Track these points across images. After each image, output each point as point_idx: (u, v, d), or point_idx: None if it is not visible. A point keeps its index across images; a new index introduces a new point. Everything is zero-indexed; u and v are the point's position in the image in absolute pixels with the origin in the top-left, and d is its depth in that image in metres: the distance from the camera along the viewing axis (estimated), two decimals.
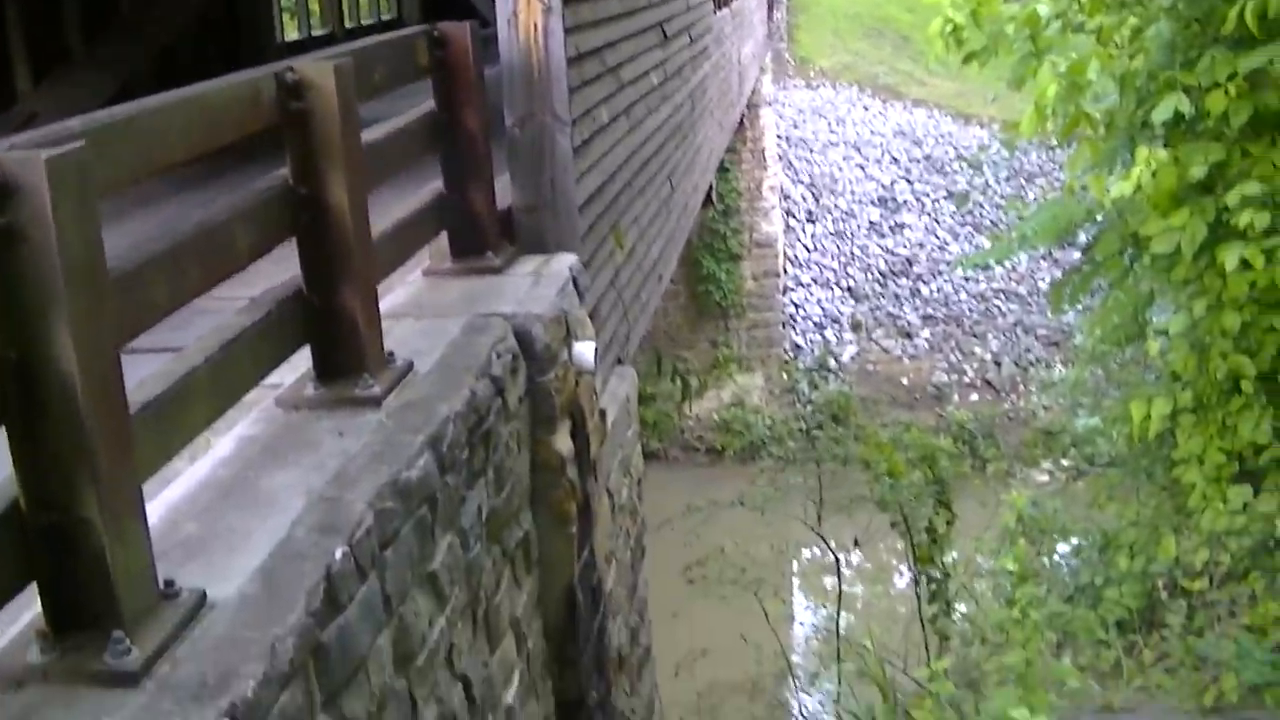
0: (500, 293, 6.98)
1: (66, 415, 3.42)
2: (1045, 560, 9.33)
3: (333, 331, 5.40)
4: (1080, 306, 21.32)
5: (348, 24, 20.37)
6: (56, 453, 3.45)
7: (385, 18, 22.28)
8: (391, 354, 5.69)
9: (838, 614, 13.79)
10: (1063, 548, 10.25)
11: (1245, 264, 7.55)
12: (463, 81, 7.12)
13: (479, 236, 7.32)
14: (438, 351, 6.02)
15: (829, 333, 27.37)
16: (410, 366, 5.71)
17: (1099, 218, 9.51)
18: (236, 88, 4.93)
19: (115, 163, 3.92)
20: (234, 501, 4.51)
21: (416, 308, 6.74)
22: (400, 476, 4.78)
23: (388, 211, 6.57)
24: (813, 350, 26.90)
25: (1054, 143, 28.52)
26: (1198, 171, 7.72)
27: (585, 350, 7.16)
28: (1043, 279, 27.41)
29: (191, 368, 4.39)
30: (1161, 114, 7.54)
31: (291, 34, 18.94)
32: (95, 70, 12.81)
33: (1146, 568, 7.94)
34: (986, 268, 27.71)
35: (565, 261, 7.53)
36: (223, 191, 7.34)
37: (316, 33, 19.64)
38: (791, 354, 26.90)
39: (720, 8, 17.02)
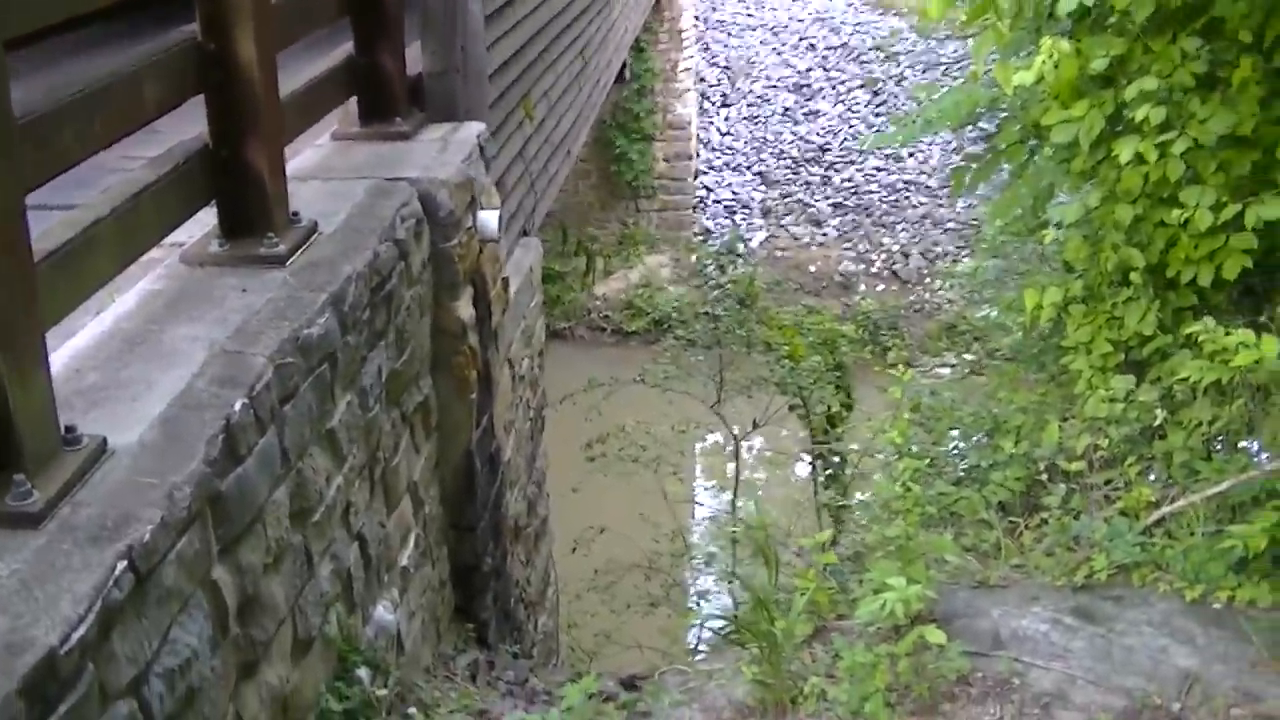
0: (407, 158, 7.00)
1: None
2: (940, 447, 9.49)
3: (239, 189, 5.42)
4: (988, 200, 21.48)
5: None
6: None
7: None
8: (297, 214, 5.73)
9: (734, 494, 13.97)
10: (957, 435, 10.43)
11: (1140, 158, 7.69)
12: None
13: (388, 101, 7.32)
14: (343, 213, 6.06)
15: (739, 217, 27.43)
16: (315, 227, 5.75)
17: (1001, 105, 9.62)
18: None
19: (23, 7, 3.91)
20: (137, 353, 4.56)
21: (324, 170, 6.76)
22: (301, 333, 4.84)
23: (299, 73, 6.56)
24: (722, 234, 26.96)
25: (968, 32, 28.74)
26: (1099, 64, 7.82)
27: (489, 218, 7.21)
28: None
29: (97, 218, 4.42)
30: (1066, 5, 7.62)
31: None
32: None
33: (1030, 452, 8.14)
34: (898, 159, 27.87)
35: (473, 129, 7.55)
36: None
37: None
38: (701, 237, 26.95)
39: None
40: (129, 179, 4.86)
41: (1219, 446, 7.78)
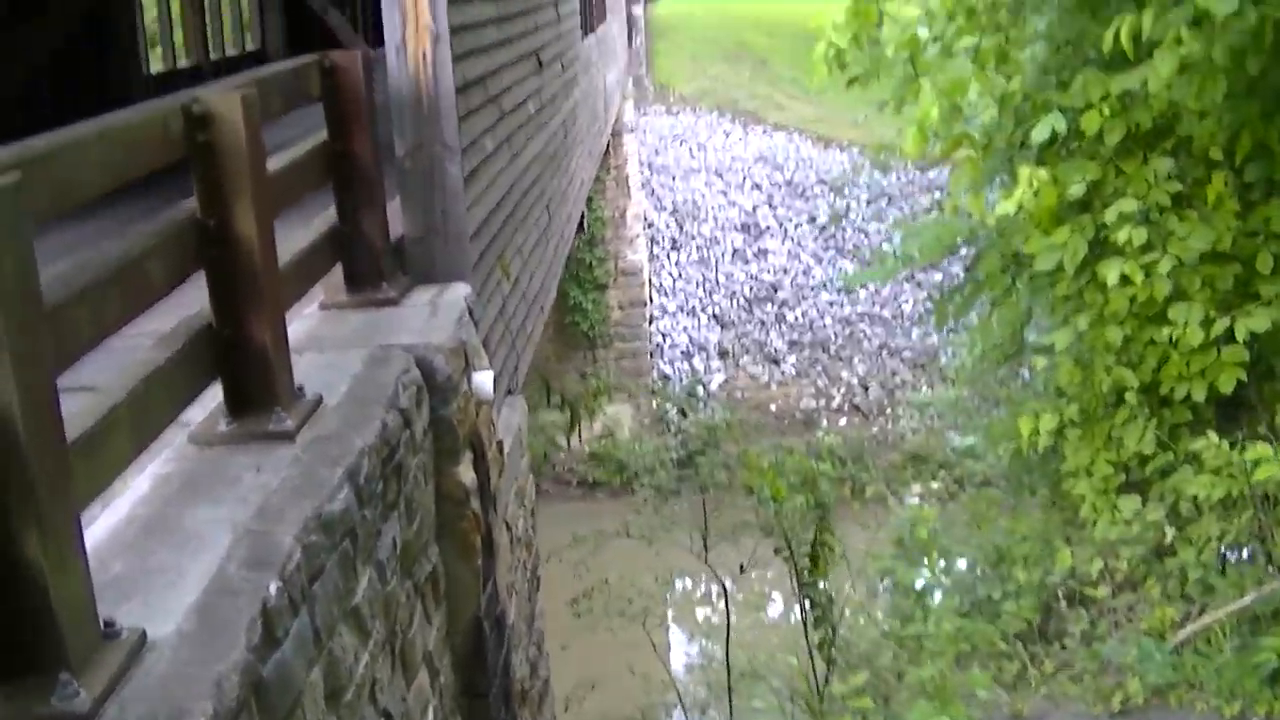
0: (399, 324, 6.95)
1: (5, 450, 3.35)
2: (943, 578, 9.44)
3: (244, 365, 5.34)
4: (946, 329, 21.63)
5: (213, 56, 20.17)
6: None
7: (250, 48, 22.11)
8: (301, 387, 5.65)
9: (727, 643, 13.82)
10: (944, 565, 10.37)
11: (1125, 279, 7.73)
12: (354, 111, 7.07)
13: (374, 268, 7.29)
14: (344, 384, 5.99)
15: (697, 361, 27.53)
16: (320, 400, 5.67)
17: (979, 236, 9.69)
18: (147, 120, 4.87)
19: (41, 195, 3.86)
20: (160, 539, 4.45)
21: (317, 341, 6.69)
22: (323, 510, 4.75)
23: (282, 243, 6.51)
24: (681, 379, 27.03)
25: (914, 165, 29.08)
26: (1076, 190, 7.90)
27: (484, 380, 7.16)
28: (905, 302, 27.82)
29: (113, 404, 4.33)
30: (1040, 134, 7.71)
31: (157, 66, 18.69)
32: None
33: (1043, 579, 8.09)
34: (849, 291, 28.04)
35: (460, 291, 7.52)
36: (110, 219, 7.31)
37: (182, 64, 19.44)
38: (660, 383, 27.00)
39: (587, 34, 17.09)
40: (139, 362, 4.78)
41: (1230, 558, 7.77)
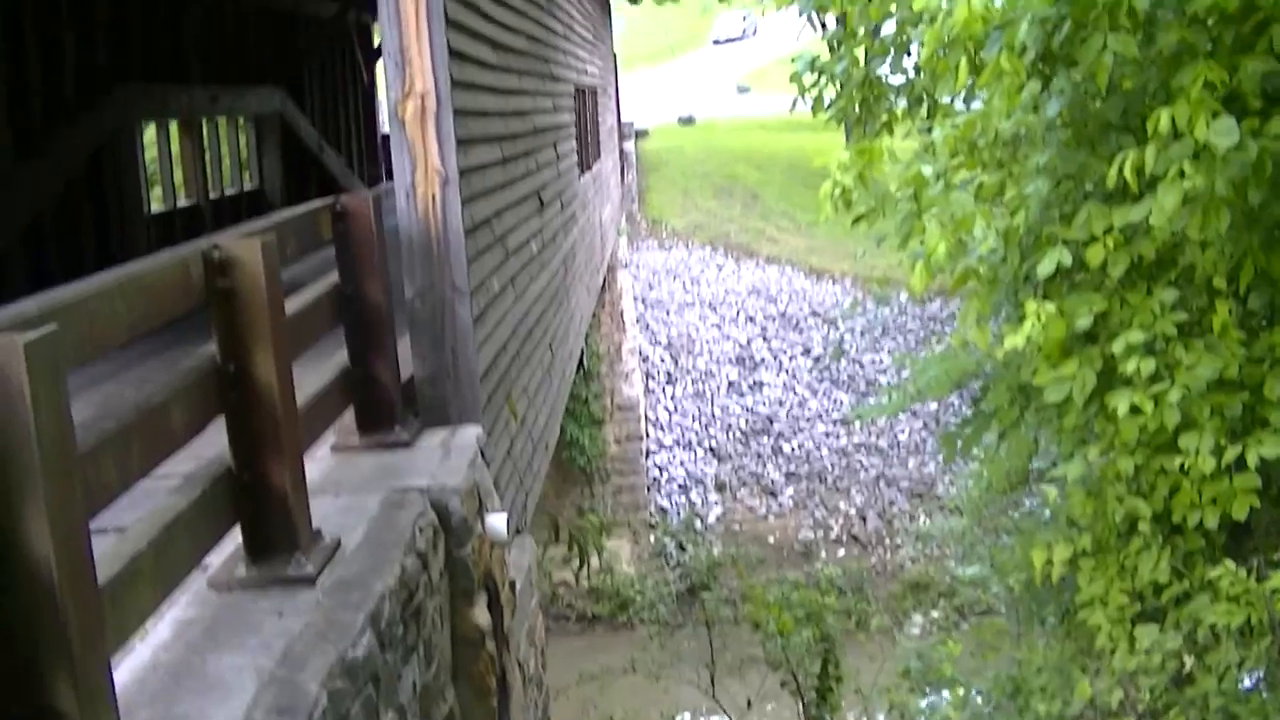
0: (413, 466, 6.95)
1: (39, 601, 3.32)
2: (952, 711, 9.37)
3: (263, 509, 5.34)
4: (936, 461, 21.56)
5: (212, 195, 20.36)
6: (27, 641, 3.35)
7: (248, 188, 22.31)
8: (319, 531, 5.64)
9: None
10: (947, 695, 10.30)
11: (1134, 409, 7.75)
12: (365, 254, 7.12)
13: (386, 410, 7.30)
14: (362, 527, 5.98)
15: (694, 494, 27.47)
16: (339, 543, 5.66)
17: (986, 369, 9.73)
18: (169, 268, 4.90)
19: (70, 345, 3.88)
20: (185, 686, 4.41)
21: (333, 484, 6.68)
22: (347, 655, 4.72)
23: (296, 386, 6.53)
24: (679, 512, 26.96)
25: (909, 297, 29.27)
26: (1083, 322, 7.94)
27: (498, 521, 7.15)
28: (902, 431, 27.85)
29: (137, 551, 4.32)
30: (1045, 268, 7.76)
31: (157, 206, 18.86)
32: None
33: (1063, 711, 8.04)
34: (845, 422, 28.09)
35: (471, 433, 7.53)
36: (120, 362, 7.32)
37: (181, 203, 19.62)
38: (658, 517, 26.93)
39: (584, 172, 17.25)
40: (160, 508, 4.77)
41: (1250, 685, 7.73)
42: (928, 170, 8.16)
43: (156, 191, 19.55)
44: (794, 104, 9.92)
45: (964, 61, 7.65)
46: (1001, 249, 8.10)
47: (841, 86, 9.54)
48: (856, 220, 8.50)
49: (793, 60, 9.70)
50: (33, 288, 12.92)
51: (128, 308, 4.47)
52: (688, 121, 52.15)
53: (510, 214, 9.90)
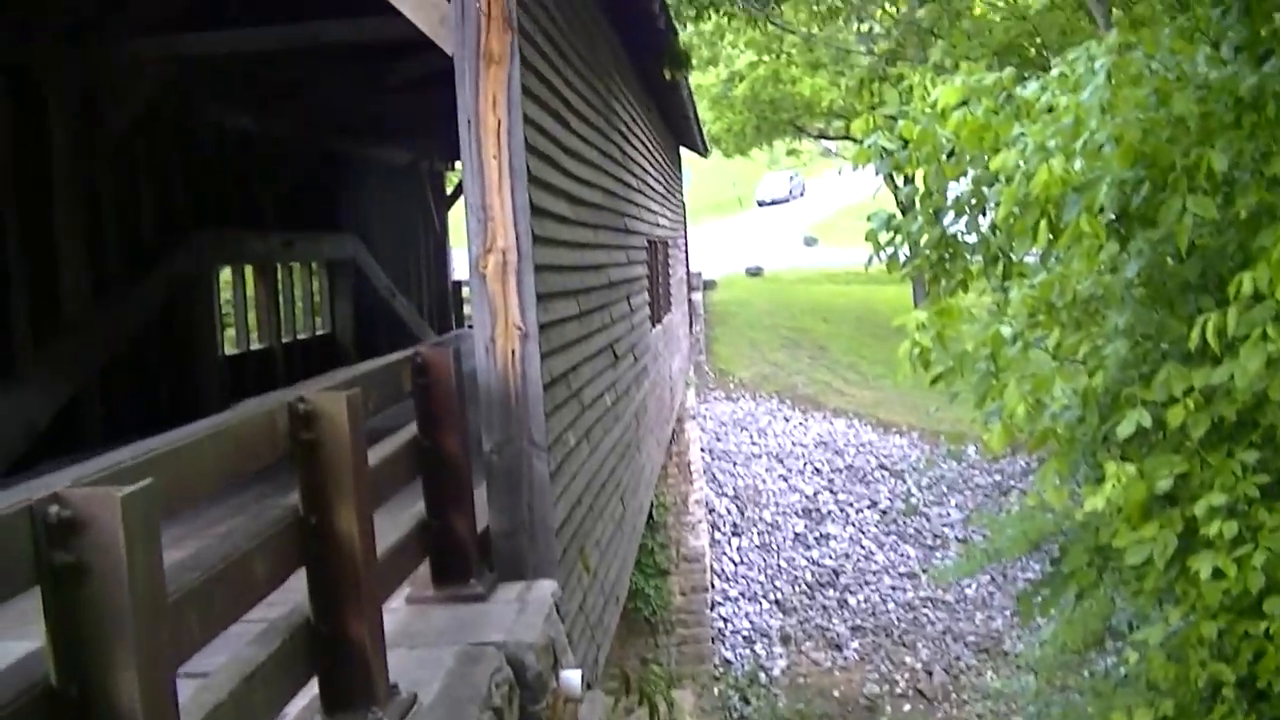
0: (489, 620, 6.92)
1: None
2: None
3: (341, 663, 5.32)
4: (1004, 616, 21.33)
5: (284, 339, 20.61)
6: None
7: (320, 332, 22.58)
8: (395, 685, 5.61)
9: None
10: None
11: (1217, 572, 7.66)
12: (445, 408, 7.16)
13: (462, 563, 7.29)
14: (437, 682, 5.95)
15: (759, 646, 27.24)
16: (414, 699, 5.63)
17: (1065, 530, 9.65)
18: (257, 420, 4.94)
19: (164, 495, 3.91)
20: None
21: (407, 637, 6.66)
22: None
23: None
24: (743, 665, 26.73)
25: (975, 451, 29.15)
26: (1164, 484, 7.88)
27: (573, 678, 7.11)
28: (968, 586, 27.58)
29: (218, 701, 4.31)
30: (1125, 429, 7.72)
31: (230, 349, 19.13)
32: (40, 380, 12.86)
33: None
34: (913, 575, 27.89)
35: (547, 588, 7.50)
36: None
37: (255, 347, 19.88)
38: (722, 669, 26.71)
39: (655, 324, 17.35)
40: (241, 659, 4.76)
41: None
42: (1006, 331, 8.16)
43: (229, 334, 19.82)
44: (869, 262, 9.97)
45: (1044, 224, 7.67)
46: (1079, 409, 8.07)
47: (916, 245, 9.58)
48: (934, 380, 8.49)
49: (868, 219, 9.76)
50: (107, 430, 13.11)
51: (217, 459, 4.52)
52: (755, 273, 52.49)
53: (586, 367, 9.95)
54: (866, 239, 9.65)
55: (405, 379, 7.03)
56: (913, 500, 29.47)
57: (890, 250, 9.65)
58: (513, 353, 7.54)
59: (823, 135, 50.09)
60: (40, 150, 13.35)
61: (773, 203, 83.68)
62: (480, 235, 7.49)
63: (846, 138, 47.54)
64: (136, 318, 14.84)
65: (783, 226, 71.44)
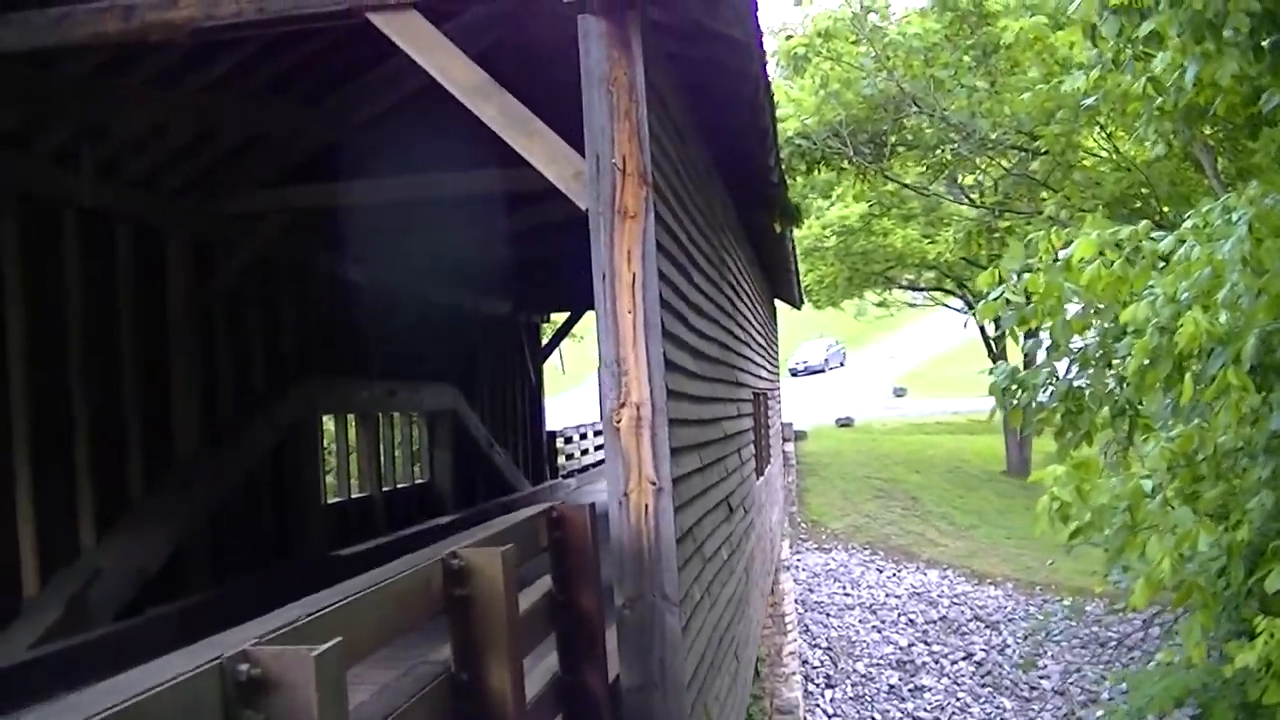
0: None
1: None
2: None
3: None
4: None
5: (384, 487, 20.73)
6: None
7: (419, 480, 22.70)
8: None
9: None
10: None
11: None
12: (579, 562, 7.12)
13: (597, 719, 7.19)
14: None
15: None
16: None
17: (1209, 687, 9.43)
18: (414, 577, 4.93)
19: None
20: None
21: None
22: None
23: None
24: None
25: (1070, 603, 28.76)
26: None
27: None
28: None
29: None
30: (1273, 583, 7.56)
31: (332, 496, 19.26)
32: (153, 526, 12.94)
33: None
34: None
35: None
36: None
37: (356, 494, 20.02)
38: None
39: (759, 476, 17.29)
40: None
41: None
42: (1146, 484, 8.05)
43: (330, 480, 19.96)
44: (992, 414, 9.89)
45: (1188, 377, 7.57)
46: (1223, 562, 7.92)
47: (1041, 399, 9.49)
48: (1073, 535, 8.36)
49: (989, 373, 9.70)
50: (213, 572, 13.17)
51: (380, 616, 4.49)
52: (846, 423, 52.37)
53: (708, 520, 9.91)
54: (990, 392, 9.58)
55: (542, 534, 6.99)
56: (1009, 652, 29.01)
57: (1013, 403, 9.56)
58: (646, 507, 7.48)
59: (913, 286, 50.10)
60: (158, 299, 13.57)
61: (807, 371, 78.90)
62: (614, 389, 7.47)
63: (938, 289, 47.72)
64: (245, 464, 14.95)
65: (871, 378, 71.44)
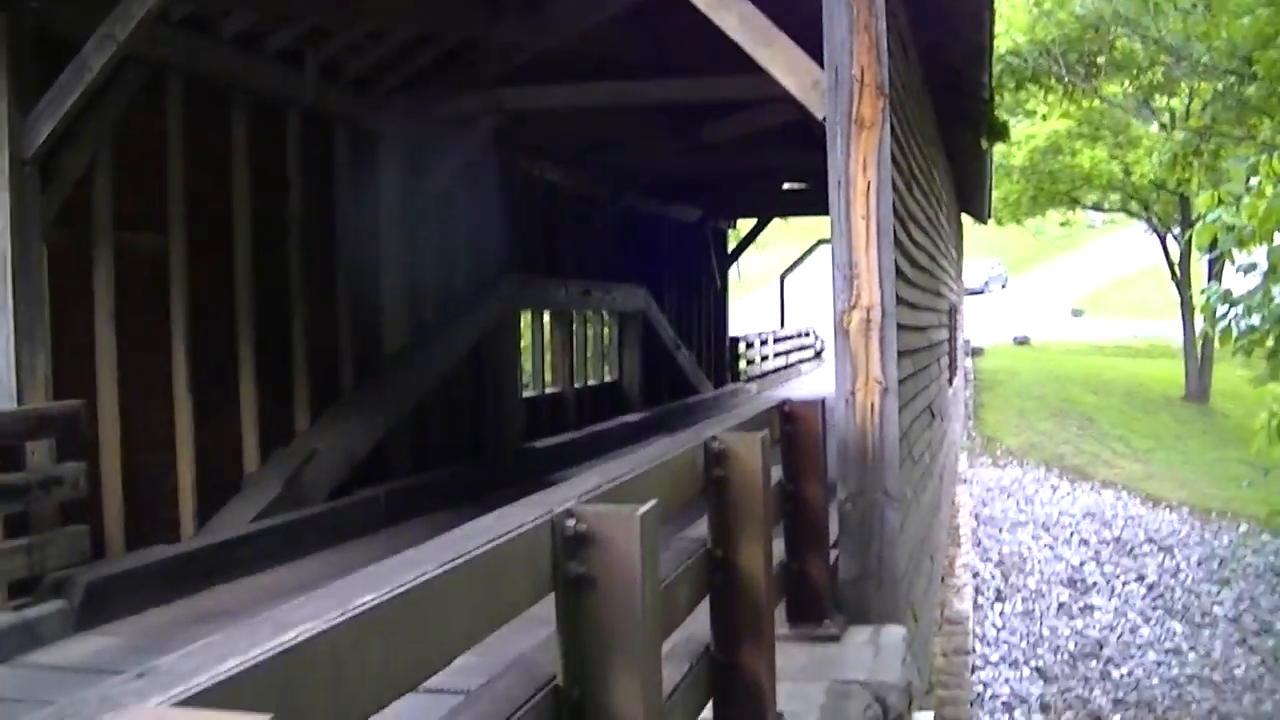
0: (847, 660, 7.15)
1: None
2: None
3: (738, 692, 5.60)
4: (1275, 700, 20.75)
5: (576, 384, 21.26)
6: None
7: (608, 379, 23.22)
8: (781, 714, 5.87)
9: None
10: None
11: None
12: (809, 456, 7.43)
13: (818, 605, 7.53)
14: (813, 715, 6.21)
15: (1018, 713, 26.90)
16: None
17: None
18: (684, 457, 5.28)
19: None
20: None
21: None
22: None
23: None
24: None
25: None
26: None
27: (927, 719, 7.32)
28: (1238, 666, 26.94)
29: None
30: None
31: (527, 391, 19.81)
32: (362, 415, 13.54)
33: None
34: (1178, 652, 27.32)
35: (898, 633, 7.71)
36: None
37: (548, 390, 20.61)
38: None
39: (950, 387, 17.49)
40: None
41: None
42: None
43: (524, 375, 20.53)
44: (1201, 336, 10.04)
45: None
46: None
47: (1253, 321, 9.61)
48: None
49: (1202, 292, 9.83)
50: (414, 462, 13.75)
51: (659, 489, 4.86)
52: (1023, 342, 52.06)
53: (917, 425, 10.20)
54: (1201, 310, 9.72)
55: (775, 427, 7.32)
56: (1182, 575, 28.88)
57: (1224, 324, 9.70)
58: (872, 406, 7.77)
59: (1097, 207, 49.47)
60: (371, 201, 14.09)
61: (967, 292, 77.09)
62: (846, 292, 7.76)
63: (1122, 210, 47.04)
64: (447, 359, 15.45)
65: (1050, 297, 70.54)
